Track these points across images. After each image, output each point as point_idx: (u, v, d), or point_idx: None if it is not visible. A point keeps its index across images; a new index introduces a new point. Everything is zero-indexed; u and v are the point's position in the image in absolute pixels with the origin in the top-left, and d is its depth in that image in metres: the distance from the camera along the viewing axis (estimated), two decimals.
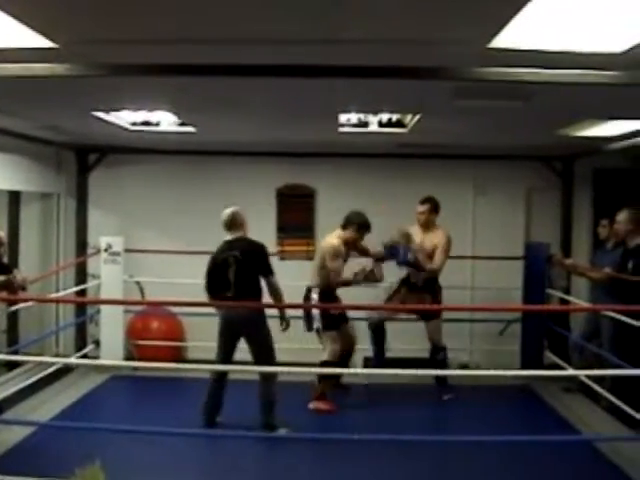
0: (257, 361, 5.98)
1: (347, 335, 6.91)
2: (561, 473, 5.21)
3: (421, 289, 7.10)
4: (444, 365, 7.16)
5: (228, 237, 6.10)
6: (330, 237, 6.74)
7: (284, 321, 6.19)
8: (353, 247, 6.83)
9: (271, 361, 5.99)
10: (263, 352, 5.98)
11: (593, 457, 5.42)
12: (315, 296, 6.73)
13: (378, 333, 7.29)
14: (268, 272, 6.05)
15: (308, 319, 6.70)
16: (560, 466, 5.28)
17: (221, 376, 6.09)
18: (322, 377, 6.69)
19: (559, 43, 3.34)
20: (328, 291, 6.74)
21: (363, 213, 6.76)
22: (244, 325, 5.99)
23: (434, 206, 7.06)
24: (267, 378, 5.94)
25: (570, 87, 3.89)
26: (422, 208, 7.05)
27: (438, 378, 7.13)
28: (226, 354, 6.06)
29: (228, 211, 6.13)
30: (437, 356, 7.08)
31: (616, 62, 3.53)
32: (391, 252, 6.80)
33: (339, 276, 6.62)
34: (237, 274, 5.95)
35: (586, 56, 3.47)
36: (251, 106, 5.54)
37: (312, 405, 6.65)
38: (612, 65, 3.57)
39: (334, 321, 6.74)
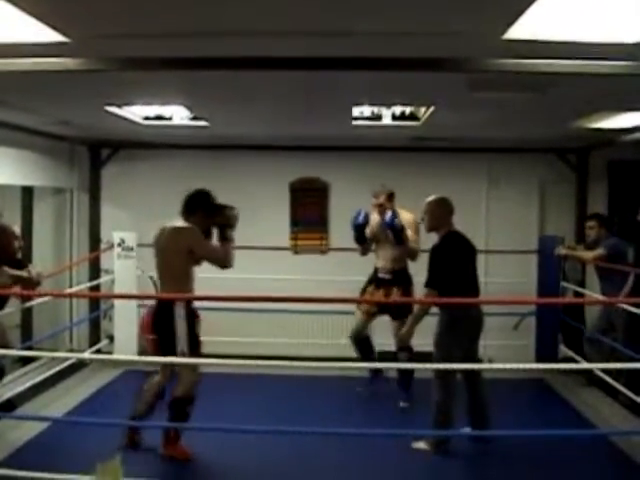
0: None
1: None
2: (577, 468, 5.16)
3: (389, 283, 6.65)
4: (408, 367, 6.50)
5: (453, 228, 5.63)
6: None
7: None
8: None
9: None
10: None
11: (609, 452, 5.39)
12: None
13: (362, 345, 6.83)
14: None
15: None
16: (576, 461, 5.25)
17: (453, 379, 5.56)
18: None
19: (574, 34, 3.31)
20: None
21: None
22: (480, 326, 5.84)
23: (389, 195, 6.65)
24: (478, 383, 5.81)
25: (586, 78, 3.86)
26: (380, 200, 6.63)
27: (401, 381, 6.69)
28: (473, 354, 5.76)
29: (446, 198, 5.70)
30: (400, 356, 6.44)
31: (631, 52, 3.49)
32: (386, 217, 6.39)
33: None
34: (473, 271, 5.72)
35: (601, 46, 3.44)
36: (264, 99, 5.52)
37: None
38: (627, 55, 3.54)
39: None
